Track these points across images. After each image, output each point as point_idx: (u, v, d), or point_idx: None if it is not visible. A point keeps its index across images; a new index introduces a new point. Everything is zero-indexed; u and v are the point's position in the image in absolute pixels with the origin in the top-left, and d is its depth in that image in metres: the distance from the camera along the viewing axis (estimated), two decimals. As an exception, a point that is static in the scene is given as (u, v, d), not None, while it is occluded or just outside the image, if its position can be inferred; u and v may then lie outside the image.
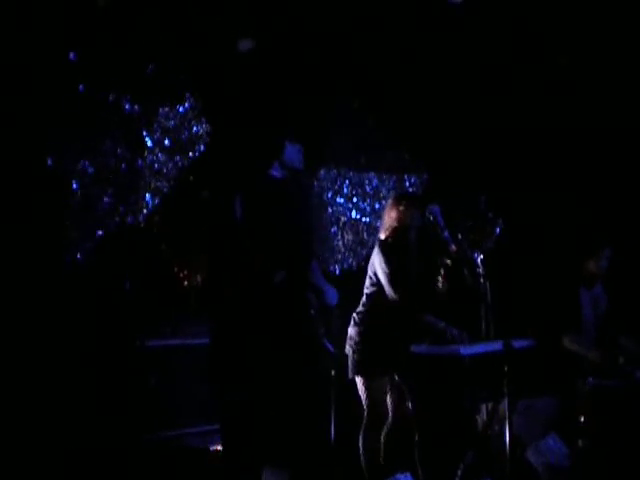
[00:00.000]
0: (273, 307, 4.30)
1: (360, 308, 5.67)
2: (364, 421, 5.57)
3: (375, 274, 5.58)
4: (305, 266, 4.25)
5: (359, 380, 5.57)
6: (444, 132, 7.71)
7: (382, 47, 7.17)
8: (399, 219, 5.62)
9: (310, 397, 4.31)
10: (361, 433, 5.58)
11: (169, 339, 6.38)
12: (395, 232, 5.63)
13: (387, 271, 5.48)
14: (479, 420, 5.27)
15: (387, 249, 5.58)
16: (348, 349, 5.59)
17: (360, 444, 5.57)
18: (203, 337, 6.35)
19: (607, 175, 7.43)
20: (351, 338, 5.63)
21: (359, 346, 5.56)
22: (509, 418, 4.77)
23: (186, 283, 6.91)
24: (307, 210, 4.46)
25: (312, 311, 4.32)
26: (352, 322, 5.68)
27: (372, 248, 6.91)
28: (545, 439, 5.47)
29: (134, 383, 6.20)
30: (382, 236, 5.68)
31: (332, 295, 4.42)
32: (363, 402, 5.56)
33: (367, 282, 5.67)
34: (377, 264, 5.56)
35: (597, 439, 5.39)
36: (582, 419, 5.45)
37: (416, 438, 5.11)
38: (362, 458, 5.56)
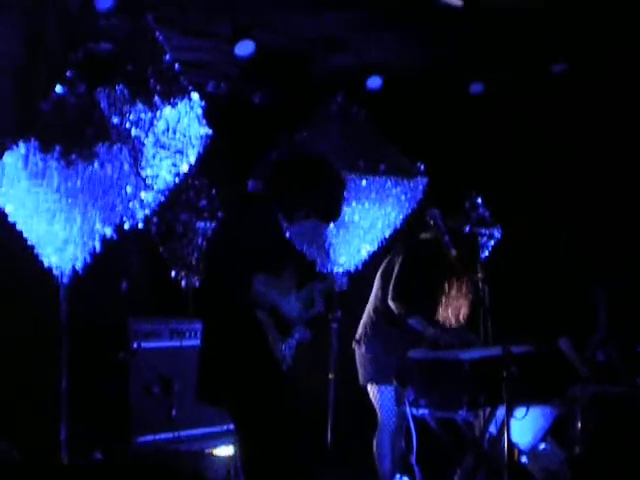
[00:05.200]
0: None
1: (371, 311, 5.68)
2: (378, 426, 5.58)
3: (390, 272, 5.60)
4: (241, 289, 4.16)
5: (371, 387, 5.58)
6: (444, 136, 7.73)
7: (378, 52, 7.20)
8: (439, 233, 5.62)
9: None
10: (375, 438, 5.60)
11: (166, 341, 6.37)
12: (429, 240, 5.64)
13: (398, 274, 5.51)
14: (477, 425, 5.26)
15: (417, 252, 5.61)
16: (358, 355, 5.62)
17: (374, 448, 5.59)
18: (200, 339, 6.33)
19: (606, 179, 7.45)
20: (361, 342, 5.64)
21: (369, 354, 5.57)
22: (507, 423, 4.76)
23: (183, 285, 6.91)
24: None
25: (266, 330, 4.22)
26: (361, 326, 5.69)
27: (372, 253, 6.98)
28: (542, 445, 5.48)
29: (130, 385, 6.18)
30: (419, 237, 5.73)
31: (290, 307, 4.31)
32: (376, 408, 5.58)
33: (378, 283, 5.69)
34: (397, 261, 5.59)
35: (594, 445, 5.39)
36: (579, 425, 5.45)
37: (414, 442, 5.10)
38: (376, 462, 5.58)
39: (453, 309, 5.62)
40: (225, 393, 4.19)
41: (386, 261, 5.79)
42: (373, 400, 5.62)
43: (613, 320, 6.02)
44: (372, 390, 5.62)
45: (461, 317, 5.63)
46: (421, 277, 5.52)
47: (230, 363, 4.13)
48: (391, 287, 5.53)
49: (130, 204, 5.69)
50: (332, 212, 4.57)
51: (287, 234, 4.53)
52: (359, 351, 5.68)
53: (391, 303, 5.51)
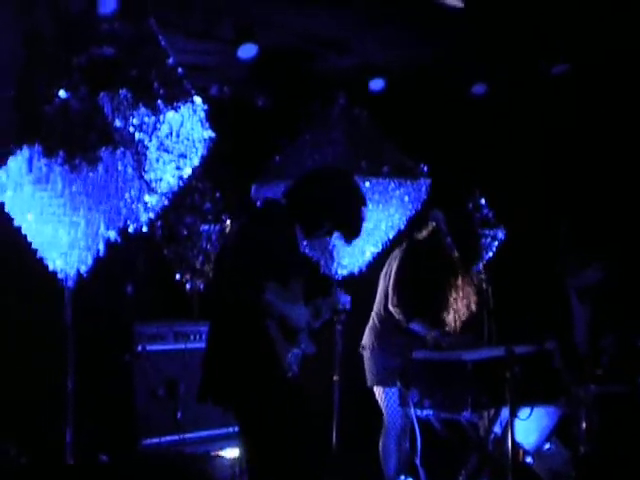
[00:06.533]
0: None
1: (374, 316, 5.68)
2: (384, 428, 5.60)
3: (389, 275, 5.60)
4: (253, 297, 4.13)
5: (377, 389, 5.59)
6: (446, 136, 7.74)
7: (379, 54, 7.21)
8: (436, 230, 5.60)
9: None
10: (381, 439, 5.62)
11: (171, 343, 6.38)
12: (426, 240, 5.63)
13: (399, 274, 5.51)
14: (481, 425, 5.27)
15: (412, 252, 5.59)
16: (368, 357, 5.62)
17: (380, 450, 5.61)
18: (205, 341, 6.36)
19: (606, 176, 7.46)
20: (367, 347, 5.65)
21: (376, 355, 5.58)
22: (511, 424, 4.77)
23: (188, 288, 6.93)
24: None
25: (273, 338, 4.20)
26: (367, 330, 5.69)
27: (376, 254, 6.98)
28: (547, 445, 5.48)
29: (135, 387, 6.20)
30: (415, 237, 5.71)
31: (298, 316, 4.30)
32: (383, 410, 5.58)
33: (381, 286, 5.68)
34: (395, 262, 5.58)
35: (599, 445, 5.40)
36: (584, 425, 5.46)
37: (418, 443, 5.11)
38: (382, 463, 5.60)
39: (455, 312, 5.61)
40: (229, 395, 4.18)
41: (387, 264, 5.79)
42: (380, 402, 5.63)
43: (613, 316, 6.03)
44: (378, 392, 5.63)
45: (461, 319, 5.63)
46: (421, 278, 5.51)
47: (237, 366, 4.13)
48: (391, 292, 5.53)
49: (134, 207, 5.70)
50: (354, 229, 4.55)
51: (300, 246, 4.50)
52: (365, 354, 5.69)
53: (392, 309, 5.51)
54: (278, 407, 4.13)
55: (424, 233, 5.69)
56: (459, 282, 5.61)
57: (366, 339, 5.71)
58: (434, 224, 5.59)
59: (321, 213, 4.41)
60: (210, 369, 4.21)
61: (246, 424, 4.19)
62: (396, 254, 5.71)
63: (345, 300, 4.56)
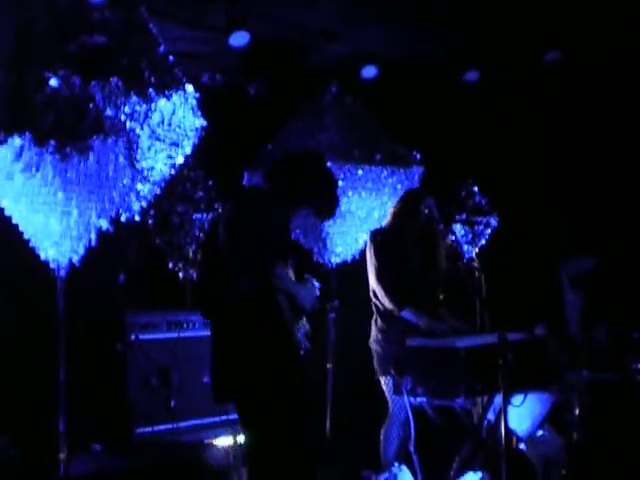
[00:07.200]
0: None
1: (373, 307, 5.68)
2: (388, 417, 5.60)
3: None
4: (267, 272, 4.11)
5: (382, 379, 5.59)
6: (439, 124, 7.74)
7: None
8: (398, 212, 5.65)
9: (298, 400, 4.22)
10: (384, 427, 5.62)
11: (164, 332, 6.37)
12: (391, 223, 5.66)
13: (376, 265, 5.51)
14: (475, 413, 5.28)
15: (379, 239, 5.60)
16: (373, 349, 5.62)
17: (382, 437, 5.64)
18: (198, 330, 6.37)
19: (603, 170, 7.46)
20: (373, 337, 5.65)
21: (381, 346, 5.58)
22: (504, 411, 4.78)
23: (181, 276, 6.93)
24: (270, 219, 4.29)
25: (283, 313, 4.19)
26: (373, 321, 5.69)
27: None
28: (540, 431, 5.49)
29: (128, 377, 6.19)
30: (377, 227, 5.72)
31: (305, 298, 4.29)
32: (388, 399, 5.59)
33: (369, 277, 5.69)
34: (368, 255, 5.60)
35: (592, 432, 5.41)
36: (577, 412, 5.47)
37: (412, 430, 5.11)
38: (382, 450, 5.64)
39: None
40: (242, 381, 4.16)
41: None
42: (385, 391, 5.63)
43: (607, 305, 6.04)
44: (384, 381, 5.63)
45: None
46: (399, 260, 5.52)
47: (248, 349, 4.09)
48: (376, 284, 5.53)
49: (126, 196, 5.69)
50: (330, 209, 4.55)
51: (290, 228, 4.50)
52: (373, 347, 5.69)
53: (383, 300, 5.51)
54: (291, 386, 4.11)
55: (388, 216, 5.74)
56: (437, 240, 5.64)
57: (372, 332, 5.71)
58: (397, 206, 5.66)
59: (297, 197, 4.41)
60: (221, 363, 4.19)
61: (260, 404, 4.11)
62: (367, 245, 5.73)
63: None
